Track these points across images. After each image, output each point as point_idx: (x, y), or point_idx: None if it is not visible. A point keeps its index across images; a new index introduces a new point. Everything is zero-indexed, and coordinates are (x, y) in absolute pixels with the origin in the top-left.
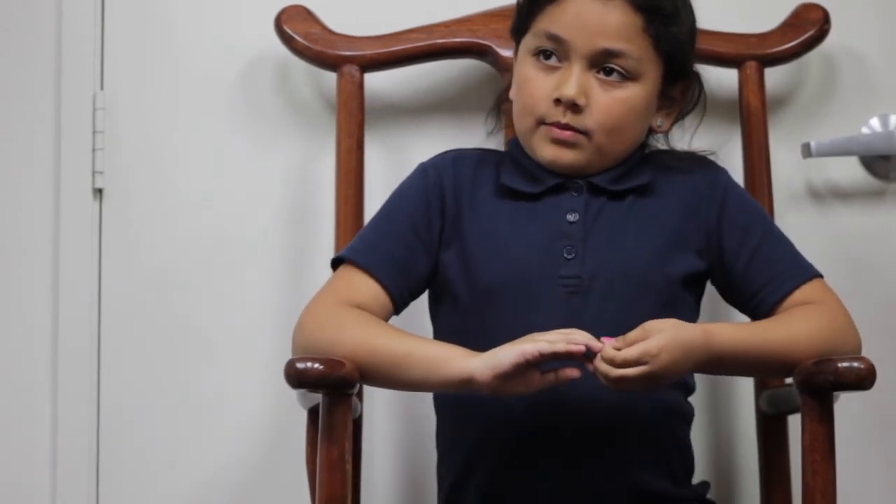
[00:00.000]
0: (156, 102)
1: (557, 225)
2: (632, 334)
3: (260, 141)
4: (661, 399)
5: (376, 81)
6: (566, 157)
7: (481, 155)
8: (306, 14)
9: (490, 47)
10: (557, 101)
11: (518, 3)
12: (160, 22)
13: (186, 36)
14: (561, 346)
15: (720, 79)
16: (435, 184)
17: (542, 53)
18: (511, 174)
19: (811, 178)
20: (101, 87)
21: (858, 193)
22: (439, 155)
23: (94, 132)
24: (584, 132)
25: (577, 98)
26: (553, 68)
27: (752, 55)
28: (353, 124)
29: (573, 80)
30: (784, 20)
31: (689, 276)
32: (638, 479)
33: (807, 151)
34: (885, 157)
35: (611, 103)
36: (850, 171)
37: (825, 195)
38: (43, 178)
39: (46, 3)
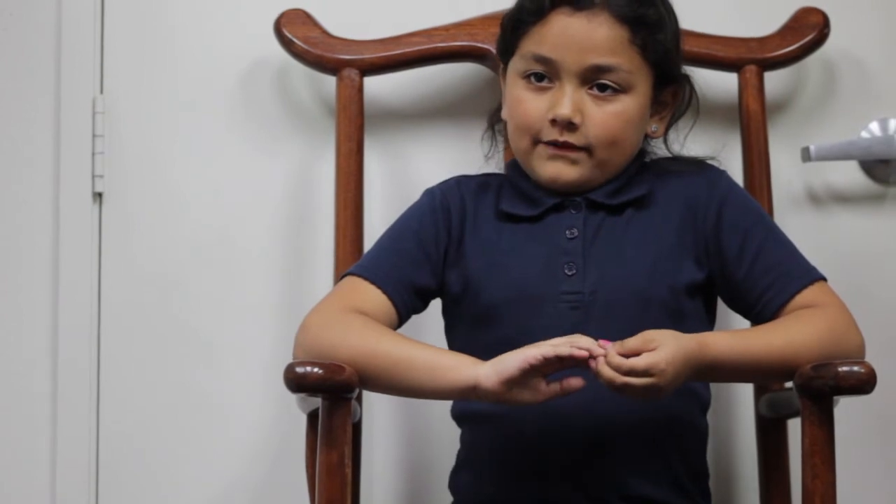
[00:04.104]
0: (155, 106)
1: (557, 242)
2: (631, 341)
3: (259, 145)
4: (671, 412)
5: (376, 85)
6: (568, 174)
7: (483, 180)
8: (306, 18)
9: (489, 51)
10: (553, 122)
11: (502, 25)
12: (160, 26)
13: (186, 40)
14: (564, 350)
15: (719, 83)
16: (442, 204)
17: (533, 76)
18: (510, 199)
19: (811, 182)
20: (101, 91)
21: (858, 197)
22: (444, 180)
23: (94, 136)
24: (584, 148)
25: (572, 117)
26: (545, 89)
27: (751, 59)
28: (353, 128)
29: (566, 99)
30: (784, 24)
31: (692, 285)
32: (643, 491)
33: (806, 155)
34: (885, 162)
35: (606, 118)
36: (849, 175)
37: (825, 199)
38: (43, 182)
39: (46, 6)
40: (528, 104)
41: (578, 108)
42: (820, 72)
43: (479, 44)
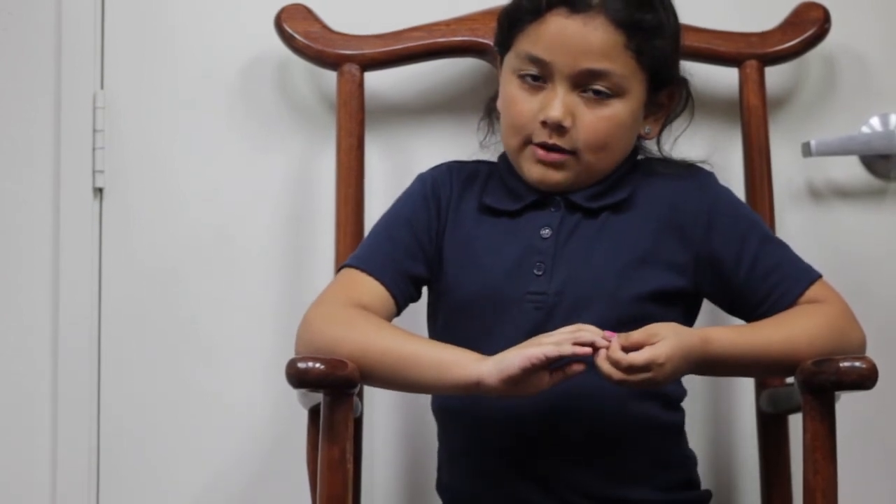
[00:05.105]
0: (156, 101)
1: (531, 241)
2: (635, 335)
3: (260, 140)
4: (628, 412)
5: (376, 80)
6: (554, 177)
7: (474, 168)
8: (306, 13)
9: (490, 46)
10: (543, 123)
11: (499, 19)
12: (160, 21)
13: (186, 35)
14: (567, 349)
15: (720, 78)
16: (433, 191)
17: (528, 76)
18: (494, 192)
19: (811, 177)
20: (102, 86)
21: (859, 192)
22: (436, 165)
23: (95, 131)
24: (572, 151)
25: (562, 120)
26: (538, 88)
27: (752, 54)
28: (354, 123)
29: (558, 101)
30: (784, 19)
31: (661, 292)
32: (603, 489)
33: (807, 150)
34: (886, 157)
35: (597, 122)
36: (850, 170)
37: (825, 194)
38: (43, 178)
39: (46, 3)
40: (520, 104)
41: (569, 111)
42: (820, 67)
43: (479, 39)
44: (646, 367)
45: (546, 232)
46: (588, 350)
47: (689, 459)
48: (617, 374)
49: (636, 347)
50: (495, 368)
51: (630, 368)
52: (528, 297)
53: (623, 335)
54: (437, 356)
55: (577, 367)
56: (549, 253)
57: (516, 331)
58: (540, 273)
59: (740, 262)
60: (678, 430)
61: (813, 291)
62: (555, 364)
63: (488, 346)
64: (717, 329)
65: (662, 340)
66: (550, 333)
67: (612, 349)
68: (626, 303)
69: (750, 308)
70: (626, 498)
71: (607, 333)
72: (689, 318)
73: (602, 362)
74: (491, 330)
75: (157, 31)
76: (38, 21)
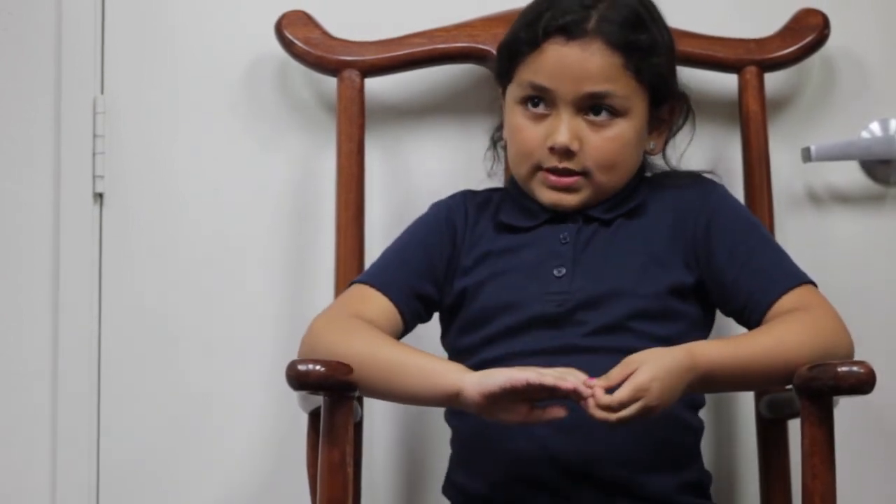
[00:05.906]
0: (156, 107)
1: (550, 246)
2: (613, 372)
3: (260, 145)
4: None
5: (377, 86)
6: (568, 200)
7: (487, 194)
8: (306, 19)
9: (490, 52)
10: (551, 149)
11: (498, 51)
12: (160, 26)
13: (187, 40)
14: (549, 380)
15: (719, 83)
16: (448, 218)
17: (530, 101)
18: (509, 212)
19: (811, 182)
20: (102, 92)
21: (858, 198)
22: (451, 195)
23: (95, 136)
24: (583, 173)
25: (570, 145)
26: (542, 116)
27: (751, 60)
28: (354, 129)
29: (563, 127)
30: (784, 25)
31: (680, 288)
32: (641, 487)
33: (807, 156)
34: (885, 162)
35: (603, 143)
36: (850, 175)
37: (825, 199)
38: (43, 183)
39: (46, 6)
40: (526, 132)
41: (576, 136)
42: (820, 72)
43: (479, 45)
44: (634, 398)
45: (564, 238)
46: (570, 385)
47: (705, 473)
48: (612, 416)
49: (620, 383)
50: (477, 382)
51: (621, 406)
52: (549, 297)
53: (603, 378)
54: (425, 365)
55: (558, 412)
56: (568, 256)
57: (537, 331)
58: (560, 274)
59: (732, 263)
60: (697, 437)
61: (797, 295)
62: (542, 403)
63: (509, 348)
64: (704, 342)
65: (641, 367)
66: (538, 368)
67: (598, 397)
68: (649, 297)
69: (736, 308)
70: (643, 486)
71: (588, 381)
72: (708, 314)
73: (594, 411)
74: (509, 331)
75: (158, 36)
76: (37, 25)
